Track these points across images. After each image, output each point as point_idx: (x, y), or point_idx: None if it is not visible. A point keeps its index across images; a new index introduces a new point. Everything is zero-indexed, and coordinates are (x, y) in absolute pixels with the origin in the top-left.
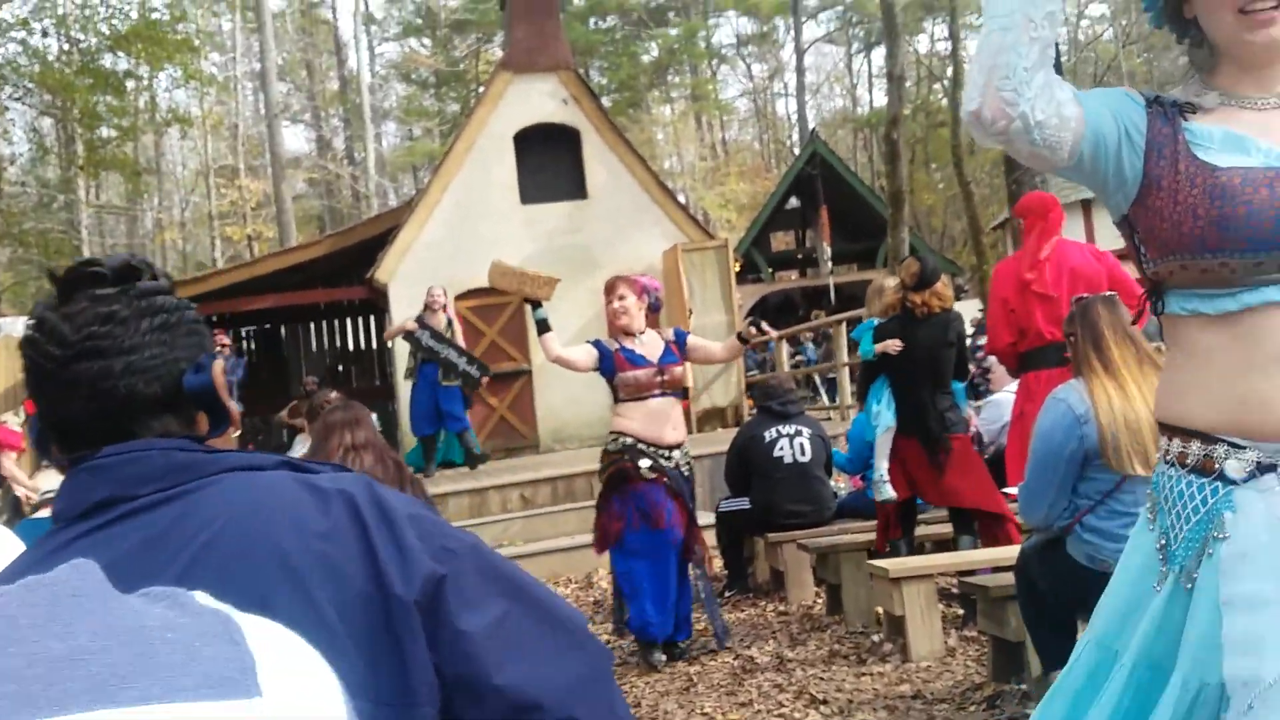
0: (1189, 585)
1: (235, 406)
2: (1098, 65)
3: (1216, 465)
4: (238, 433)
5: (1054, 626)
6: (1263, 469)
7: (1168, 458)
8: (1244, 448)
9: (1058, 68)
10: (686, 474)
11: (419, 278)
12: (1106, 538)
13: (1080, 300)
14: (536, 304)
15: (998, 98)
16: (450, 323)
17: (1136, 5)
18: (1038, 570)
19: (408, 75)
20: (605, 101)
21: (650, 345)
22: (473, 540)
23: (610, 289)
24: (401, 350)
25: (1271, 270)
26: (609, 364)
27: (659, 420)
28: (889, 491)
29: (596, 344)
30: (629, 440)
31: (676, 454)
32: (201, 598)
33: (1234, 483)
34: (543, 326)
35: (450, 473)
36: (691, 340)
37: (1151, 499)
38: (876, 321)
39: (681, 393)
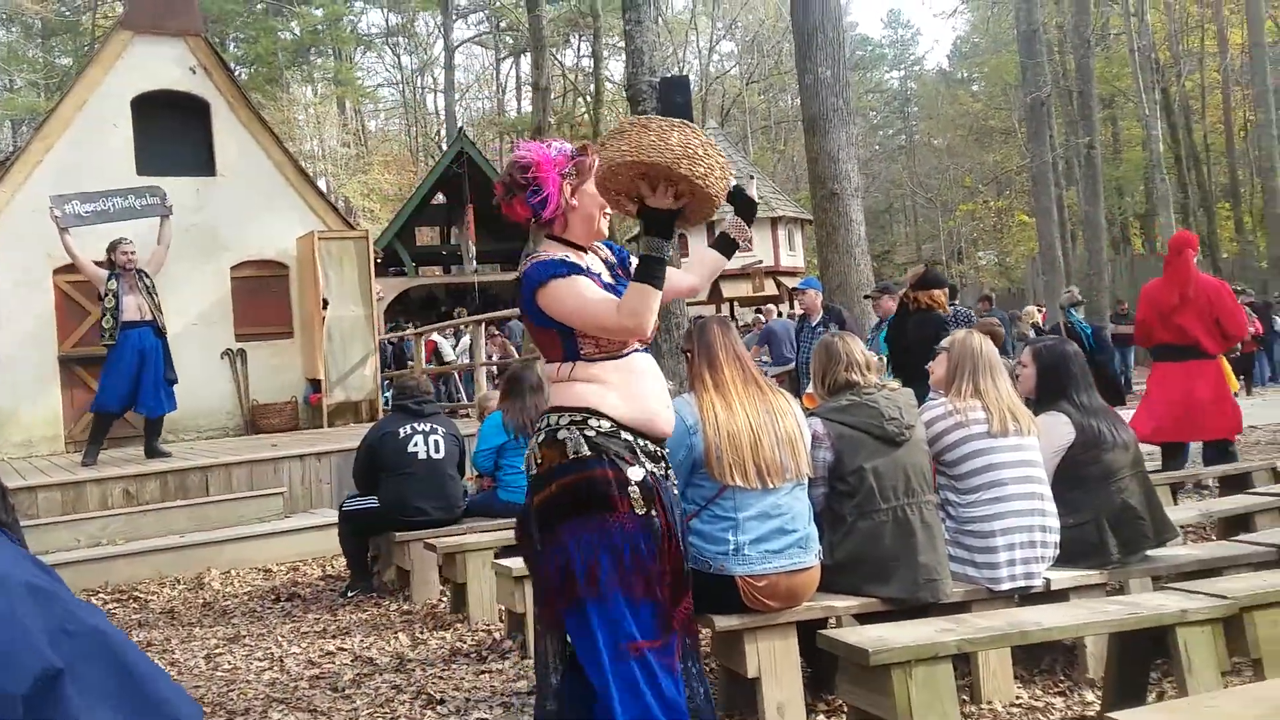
0: None
1: None
2: (724, 98)
3: None
4: None
5: None
6: None
7: None
8: None
9: (688, 98)
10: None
11: (16, 244)
12: (708, 540)
13: (699, 320)
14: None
15: None
16: (150, 287)
17: (759, 48)
18: None
19: (10, 19)
20: (240, 75)
21: (597, 268)
22: (95, 623)
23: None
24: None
25: None
26: None
27: (653, 392)
28: None
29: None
30: (606, 426)
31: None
32: None
33: None
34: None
35: (42, 464)
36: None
37: None
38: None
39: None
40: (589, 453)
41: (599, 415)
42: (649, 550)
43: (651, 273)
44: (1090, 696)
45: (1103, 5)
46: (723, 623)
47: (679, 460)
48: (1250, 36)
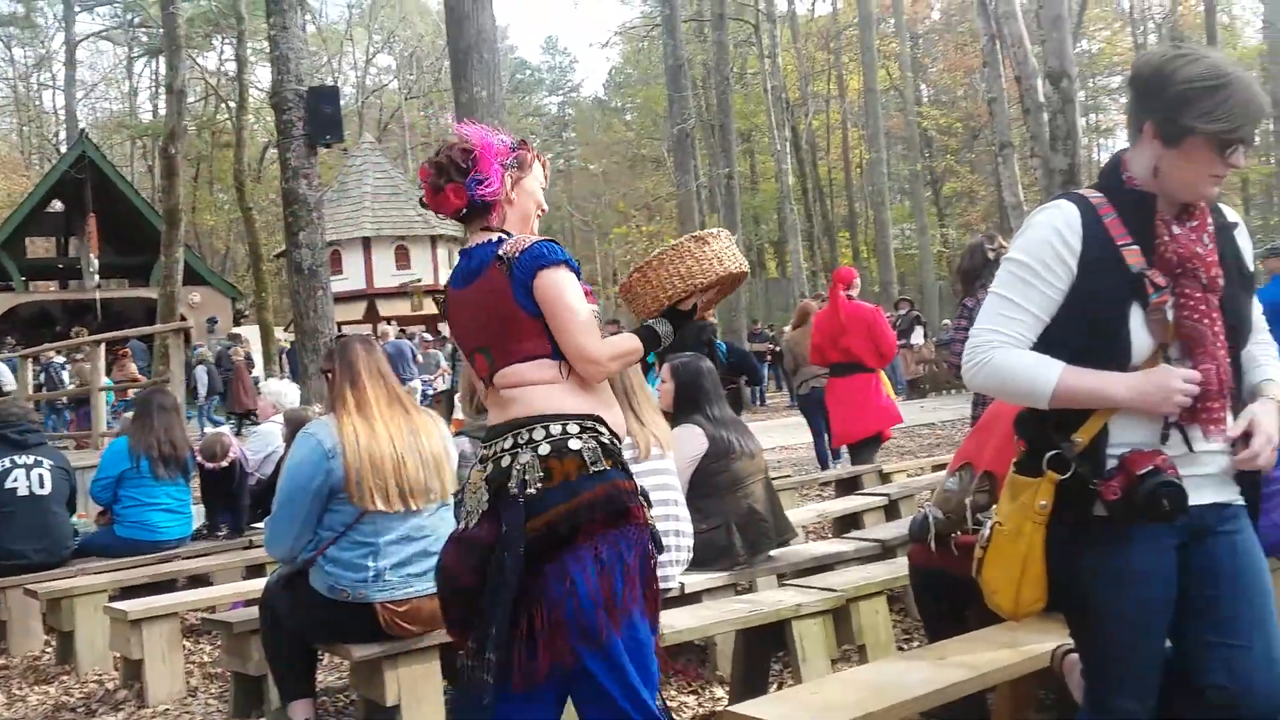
0: None
1: None
2: (382, 112)
3: None
4: None
5: (294, 658)
6: None
7: None
8: None
9: (337, 109)
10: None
11: None
12: (346, 568)
13: (340, 339)
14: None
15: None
16: None
17: (419, 63)
18: (282, 603)
19: None
20: None
21: None
22: None
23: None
24: None
25: None
26: None
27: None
28: None
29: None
30: (608, 434)
31: None
32: None
33: None
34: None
35: None
36: None
37: None
38: None
39: None
40: (609, 463)
41: (601, 421)
42: (653, 565)
43: (649, 344)
44: (720, 693)
45: (741, 46)
46: (360, 652)
47: (317, 486)
48: (865, 83)
